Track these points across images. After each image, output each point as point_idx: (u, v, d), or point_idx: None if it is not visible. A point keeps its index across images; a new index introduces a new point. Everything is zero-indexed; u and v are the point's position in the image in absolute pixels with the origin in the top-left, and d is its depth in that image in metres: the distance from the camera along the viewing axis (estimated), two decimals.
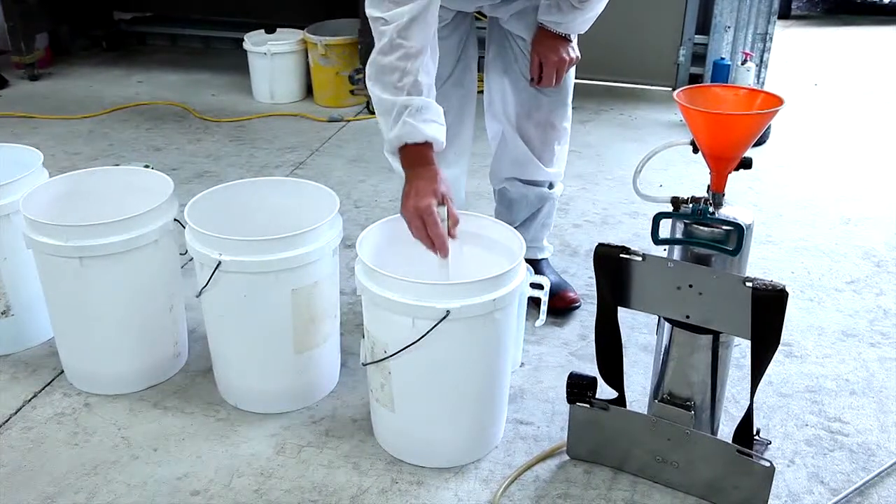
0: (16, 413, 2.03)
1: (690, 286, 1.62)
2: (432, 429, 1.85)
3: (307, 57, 4.24)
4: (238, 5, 4.86)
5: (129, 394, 2.09)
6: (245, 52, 4.29)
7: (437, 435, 1.86)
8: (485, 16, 2.28)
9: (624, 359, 1.82)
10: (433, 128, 1.79)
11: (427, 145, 1.79)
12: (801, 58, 5.44)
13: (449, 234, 1.79)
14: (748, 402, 1.70)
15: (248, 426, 1.99)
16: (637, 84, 4.57)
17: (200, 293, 1.92)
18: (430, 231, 1.77)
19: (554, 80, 2.19)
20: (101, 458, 1.88)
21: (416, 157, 1.80)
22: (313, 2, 4.65)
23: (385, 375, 1.79)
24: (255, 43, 4.26)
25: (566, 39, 2.16)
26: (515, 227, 2.39)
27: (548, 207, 2.48)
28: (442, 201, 1.78)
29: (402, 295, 1.68)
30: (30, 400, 2.07)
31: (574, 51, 2.19)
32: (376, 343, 1.78)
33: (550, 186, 2.43)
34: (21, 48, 4.47)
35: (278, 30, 4.39)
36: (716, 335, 1.69)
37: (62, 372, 2.16)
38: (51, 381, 2.14)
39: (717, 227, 1.62)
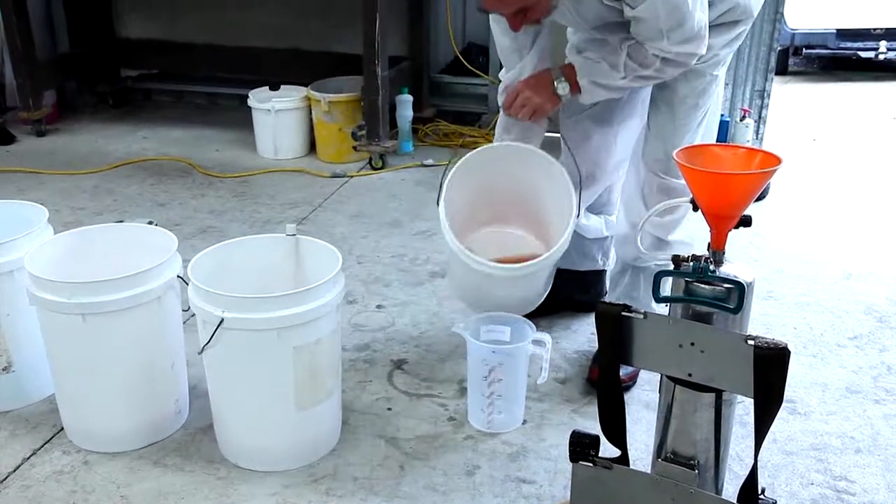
0: (14, 471, 2.01)
1: (692, 344, 1.62)
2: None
3: (310, 113, 4.29)
4: (243, 62, 4.93)
5: (129, 451, 2.08)
6: (249, 108, 4.35)
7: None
8: None
9: (627, 416, 1.81)
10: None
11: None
12: (800, 113, 5.50)
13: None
14: (752, 461, 1.69)
15: (249, 485, 1.97)
16: None
17: (203, 350, 1.92)
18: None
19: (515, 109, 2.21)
20: None
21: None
22: (317, 59, 4.72)
23: None
24: (260, 99, 4.32)
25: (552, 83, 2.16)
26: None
27: (630, 279, 2.44)
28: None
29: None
30: (29, 457, 2.06)
31: (546, 98, 2.18)
32: None
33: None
34: (29, 104, 4.53)
35: (282, 86, 4.44)
36: (718, 393, 1.68)
37: (62, 429, 2.15)
38: (50, 438, 2.13)
39: (718, 285, 1.62)
